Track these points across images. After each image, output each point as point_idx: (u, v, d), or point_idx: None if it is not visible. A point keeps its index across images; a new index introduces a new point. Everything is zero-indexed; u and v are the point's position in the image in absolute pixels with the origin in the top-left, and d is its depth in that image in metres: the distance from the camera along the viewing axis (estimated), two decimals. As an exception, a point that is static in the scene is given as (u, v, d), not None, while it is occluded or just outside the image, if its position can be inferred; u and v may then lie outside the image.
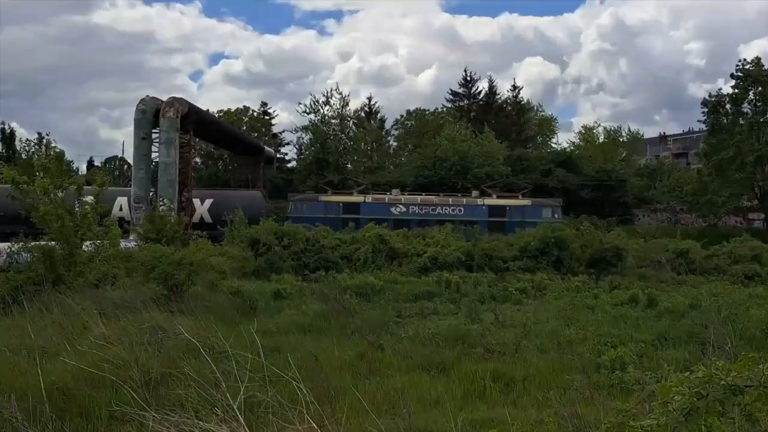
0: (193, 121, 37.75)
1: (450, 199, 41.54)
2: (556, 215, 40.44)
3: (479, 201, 41.35)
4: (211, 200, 39.62)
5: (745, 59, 45.57)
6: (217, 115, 58.41)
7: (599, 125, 79.16)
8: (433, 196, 42.13)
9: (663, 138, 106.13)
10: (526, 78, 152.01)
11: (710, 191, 44.95)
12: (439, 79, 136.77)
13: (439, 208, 40.64)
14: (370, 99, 70.06)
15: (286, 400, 5.91)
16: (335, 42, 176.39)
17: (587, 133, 74.06)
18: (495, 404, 8.73)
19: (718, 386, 3.11)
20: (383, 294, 19.13)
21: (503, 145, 54.96)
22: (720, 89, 54.06)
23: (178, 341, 9.57)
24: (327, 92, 58.74)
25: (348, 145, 57.08)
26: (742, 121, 45.79)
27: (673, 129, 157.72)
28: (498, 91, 70.37)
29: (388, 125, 67.43)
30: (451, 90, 71.19)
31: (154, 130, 36.26)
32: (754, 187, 46.14)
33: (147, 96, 36.61)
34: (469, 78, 70.30)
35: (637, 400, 5.78)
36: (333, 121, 57.04)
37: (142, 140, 35.86)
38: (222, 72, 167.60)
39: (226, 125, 49.58)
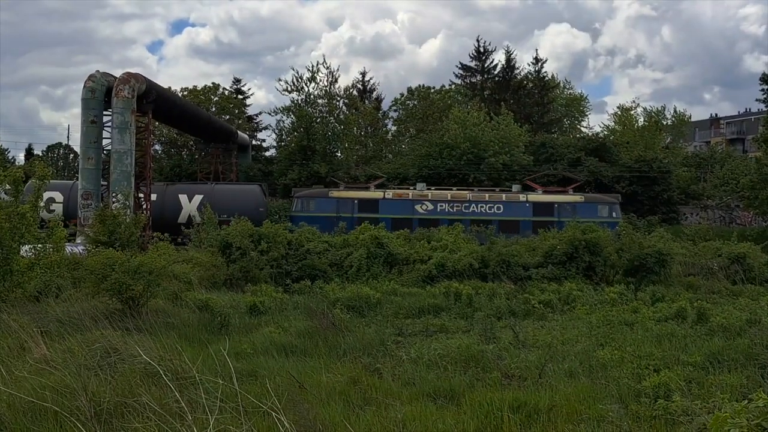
0: (153, 101, 37.65)
1: (487, 195, 41.63)
2: (614, 214, 40.51)
3: (522, 197, 41.45)
4: (201, 196, 39.70)
5: (812, 26, 45.74)
6: (181, 94, 58.50)
7: (638, 105, 79.56)
8: (466, 191, 42.27)
9: (715, 121, 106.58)
10: (550, 49, 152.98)
11: (771, 184, 44.94)
12: (447, 51, 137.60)
13: (473, 205, 40.69)
14: (363, 75, 70.40)
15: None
16: (322, 6, 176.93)
17: (624, 114, 74.18)
18: (514, 440, 8.74)
19: (782, 418, 3.10)
20: (380, 308, 19.15)
21: (523, 129, 55.05)
22: (783, 62, 54.17)
23: (135, 365, 9.57)
24: (312, 66, 58.65)
25: (338, 130, 57.03)
26: (809, 100, 45.89)
27: (726, 110, 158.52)
28: (517, 65, 70.77)
29: (385, 106, 67.64)
30: (460, 63, 71.57)
31: (105, 113, 36.17)
32: (824, 180, 46.01)
33: (97, 71, 36.54)
34: (482, 49, 70.57)
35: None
36: (320, 101, 56.94)
37: (92, 124, 35.77)
38: (186, 43, 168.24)
39: (191, 106, 49.57)
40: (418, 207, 40.43)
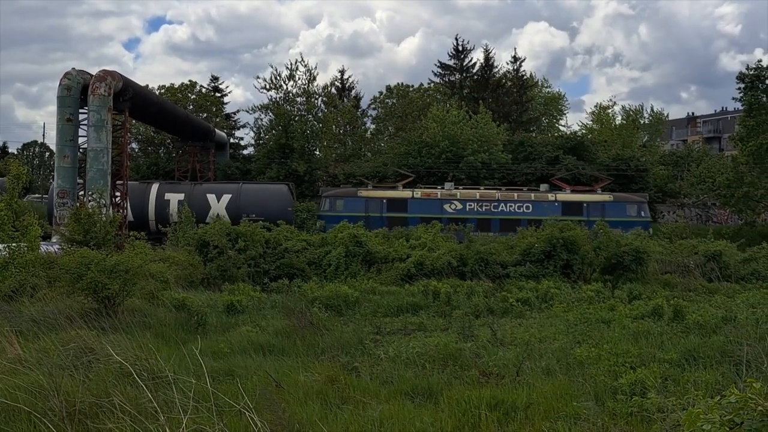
0: (129, 99, 37.45)
1: (516, 194, 41.70)
2: (642, 213, 40.68)
3: (551, 196, 41.59)
4: (230, 196, 39.59)
5: (787, 26, 46.06)
6: (158, 92, 58.17)
7: (615, 104, 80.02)
8: (494, 191, 42.37)
9: (691, 119, 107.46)
10: (528, 48, 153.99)
11: (747, 183, 45.30)
12: (425, 49, 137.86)
13: (502, 204, 40.79)
14: (342, 72, 70.40)
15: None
16: (300, 4, 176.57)
17: (601, 113, 74.70)
18: (492, 437, 8.75)
19: (753, 413, 3.11)
20: (359, 307, 19.15)
21: (502, 127, 55.20)
22: (759, 61, 54.53)
23: (111, 364, 9.50)
24: (290, 64, 58.68)
25: (316, 128, 56.98)
26: (784, 99, 46.17)
27: (703, 109, 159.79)
28: (496, 64, 71.08)
29: (364, 104, 67.59)
30: (439, 62, 71.74)
31: (81, 110, 35.92)
32: (799, 178, 46.41)
33: (73, 69, 36.31)
34: (461, 47, 70.74)
35: (660, 431, 5.83)
36: (298, 99, 56.92)
37: (67, 122, 35.51)
38: (163, 40, 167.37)
39: (168, 104, 49.29)
40: (447, 206, 40.50)
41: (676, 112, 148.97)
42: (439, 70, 71.71)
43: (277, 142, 55.31)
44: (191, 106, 60.36)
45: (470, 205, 40.57)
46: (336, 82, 67.93)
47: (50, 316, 14.21)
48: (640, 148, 64.76)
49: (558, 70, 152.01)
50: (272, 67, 73.87)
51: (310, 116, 57.17)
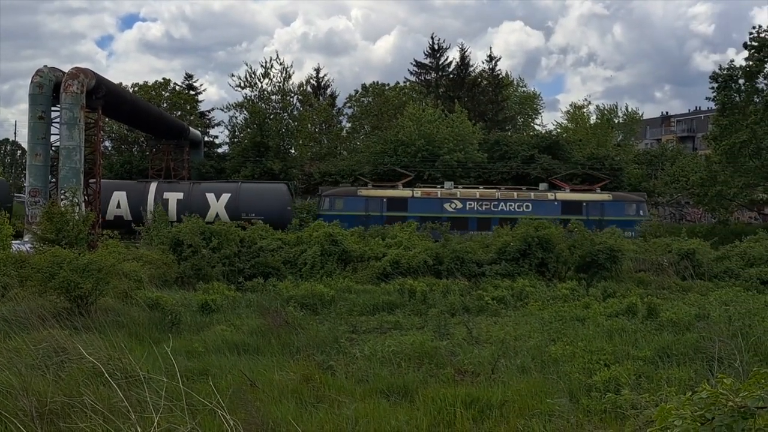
0: (102, 96, 37.15)
1: (515, 194, 41.88)
2: (641, 212, 40.93)
3: (550, 195, 41.79)
4: (229, 195, 39.39)
5: (760, 26, 46.44)
6: (131, 90, 57.80)
7: (590, 103, 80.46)
8: (494, 190, 42.52)
9: (665, 119, 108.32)
10: (504, 47, 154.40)
11: (720, 181, 45.71)
12: (401, 48, 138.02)
13: (502, 204, 40.93)
14: (317, 71, 70.25)
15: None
16: (275, 2, 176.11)
17: (576, 112, 75.10)
18: (467, 435, 8.77)
19: (725, 408, 3.14)
20: (334, 305, 19.16)
21: (478, 126, 55.37)
22: (731, 61, 55.06)
23: (84, 364, 9.43)
24: (265, 62, 58.40)
25: (291, 127, 56.85)
26: (757, 99, 46.54)
27: (677, 108, 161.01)
28: (471, 63, 71.23)
29: (339, 103, 67.52)
30: (415, 60, 71.80)
31: (53, 108, 35.60)
32: (771, 177, 46.87)
33: (45, 66, 35.96)
34: (436, 46, 70.85)
35: (633, 427, 5.87)
36: (273, 97, 56.74)
37: (39, 120, 35.18)
38: (137, 37, 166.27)
39: (142, 102, 48.96)
40: (447, 205, 40.57)
41: (650, 112, 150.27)
42: (415, 68, 71.83)
43: (252, 140, 55.12)
44: (165, 104, 59.99)
45: (470, 204, 40.70)
46: (311, 81, 67.91)
47: (22, 315, 14.07)
48: (615, 147, 65.17)
49: (533, 70, 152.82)
50: (247, 65, 73.85)
51: (286, 114, 57.03)
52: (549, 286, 22.98)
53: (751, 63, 45.91)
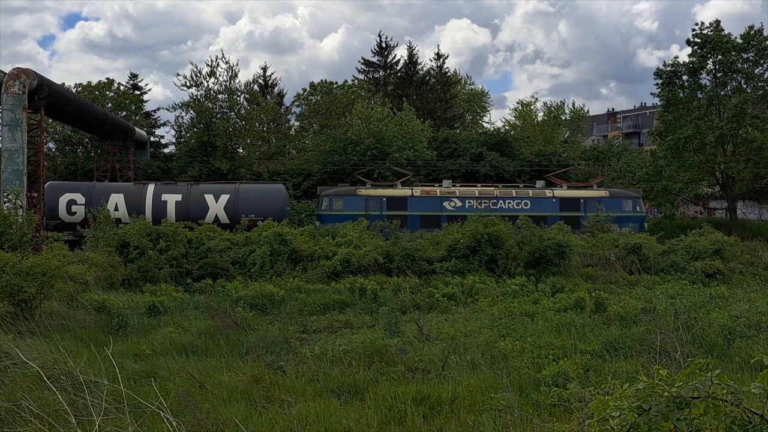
0: (45, 97, 36.66)
1: (513, 191, 41.87)
2: (638, 208, 41.21)
3: (548, 192, 41.89)
4: (228, 196, 38.84)
5: (702, 23, 47.28)
6: (75, 90, 56.91)
7: (537, 100, 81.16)
8: (492, 188, 42.43)
9: (611, 115, 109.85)
10: (451, 45, 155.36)
11: (666, 177, 46.48)
12: (348, 46, 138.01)
13: (501, 201, 40.87)
14: (264, 69, 69.92)
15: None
16: (220, 0, 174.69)
17: (524, 109, 75.75)
18: (418, 432, 8.83)
19: (661, 399, 3.22)
20: (284, 306, 19.14)
21: (427, 124, 55.54)
22: (676, 57, 55.93)
23: (28, 369, 9.29)
24: (211, 61, 57.97)
25: (239, 126, 56.48)
26: (700, 95, 47.42)
27: (622, 105, 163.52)
28: (419, 61, 71.25)
29: (287, 101, 67.25)
30: (363, 59, 71.64)
31: (-6, 109, 35.00)
32: (715, 172, 47.77)
33: (-16, 66, 35.33)
34: (384, 44, 70.84)
35: (578, 420, 5.97)
36: (220, 96, 56.28)
37: (-21, 121, 34.56)
38: (79, 37, 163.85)
39: (86, 102, 48.25)
40: (446, 204, 40.43)
41: (596, 108, 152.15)
42: (363, 66, 71.72)
43: (199, 140, 54.64)
44: (109, 105, 59.14)
45: (469, 203, 40.64)
46: (258, 79, 67.49)
47: (-37, 321, 13.81)
48: (562, 144, 65.92)
49: (480, 67, 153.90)
50: (192, 64, 73.25)
51: (233, 114, 56.60)
52: (499, 282, 23.21)
53: (694, 59, 46.73)
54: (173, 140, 63.55)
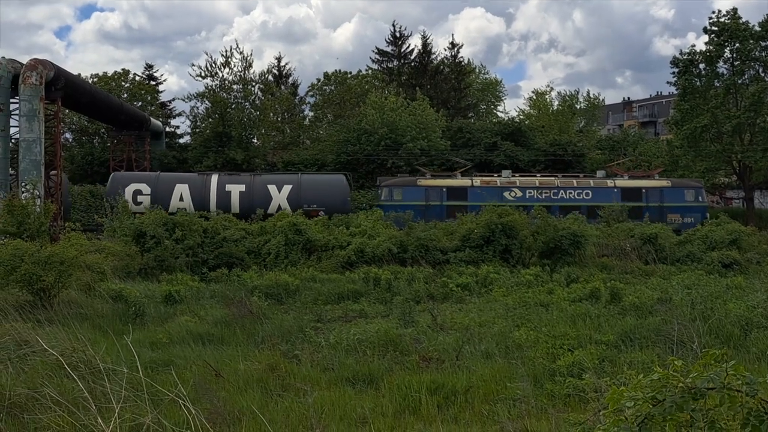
0: (62, 87, 36.76)
1: (575, 181, 41.47)
2: (699, 198, 40.77)
3: (609, 183, 41.45)
4: (290, 187, 39.03)
5: (719, 11, 47.05)
6: (91, 81, 57.11)
7: (551, 89, 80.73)
8: (553, 178, 42.12)
9: (627, 104, 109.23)
10: (465, 34, 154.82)
11: (682, 165, 46.29)
12: (362, 35, 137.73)
13: (562, 191, 40.51)
14: (278, 59, 69.81)
15: (171, 424, 5.86)
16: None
17: (538, 99, 75.39)
18: (432, 421, 8.86)
19: (675, 389, 3.23)
20: (299, 295, 19.20)
21: (440, 114, 55.42)
22: (692, 46, 55.54)
23: (48, 357, 9.39)
24: (225, 51, 57.97)
25: (253, 116, 56.53)
26: (717, 83, 47.12)
27: (638, 94, 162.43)
28: (433, 50, 71.01)
29: (301, 91, 67.19)
30: (377, 48, 71.46)
31: (12, 100, 35.12)
32: (732, 161, 47.52)
33: (2, 58, 35.45)
34: (398, 34, 70.64)
35: (594, 411, 5.98)
36: (234, 86, 56.33)
37: (-3, 112, 34.74)
38: (95, 28, 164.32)
39: (102, 93, 48.42)
40: (507, 194, 39.94)
41: (611, 97, 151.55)
42: (377, 56, 71.54)
43: (214, 130, 54.73)
44: (125, 95, 59.35)
45: (530, 193, 40.30)
46: (273, 69, 67.43)
47: (-18, 309, 13.94)
48: (577, 133, 65.61)
49: (494, 56, 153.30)
50: (207, 54, 73.27)
51: (247, 104, 56.65)
52: (513, 272, 23.16)
53: (711, 47, 46.46)
54: (188, 130, 63.73)
